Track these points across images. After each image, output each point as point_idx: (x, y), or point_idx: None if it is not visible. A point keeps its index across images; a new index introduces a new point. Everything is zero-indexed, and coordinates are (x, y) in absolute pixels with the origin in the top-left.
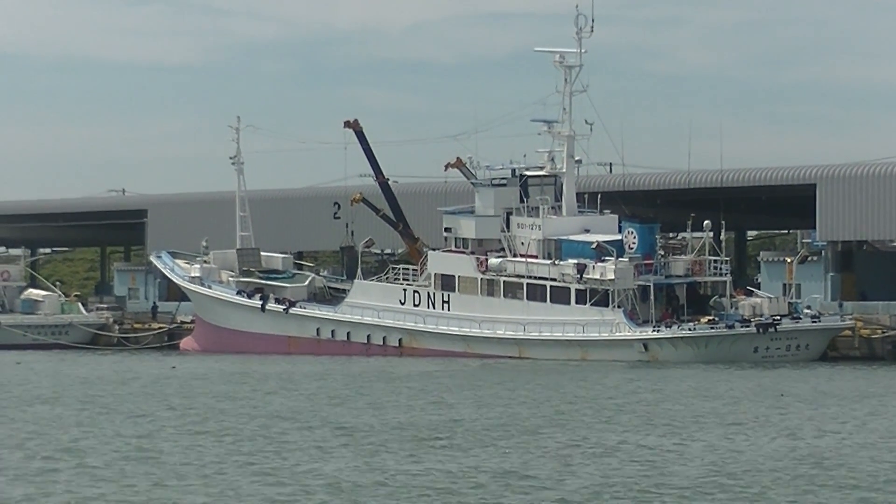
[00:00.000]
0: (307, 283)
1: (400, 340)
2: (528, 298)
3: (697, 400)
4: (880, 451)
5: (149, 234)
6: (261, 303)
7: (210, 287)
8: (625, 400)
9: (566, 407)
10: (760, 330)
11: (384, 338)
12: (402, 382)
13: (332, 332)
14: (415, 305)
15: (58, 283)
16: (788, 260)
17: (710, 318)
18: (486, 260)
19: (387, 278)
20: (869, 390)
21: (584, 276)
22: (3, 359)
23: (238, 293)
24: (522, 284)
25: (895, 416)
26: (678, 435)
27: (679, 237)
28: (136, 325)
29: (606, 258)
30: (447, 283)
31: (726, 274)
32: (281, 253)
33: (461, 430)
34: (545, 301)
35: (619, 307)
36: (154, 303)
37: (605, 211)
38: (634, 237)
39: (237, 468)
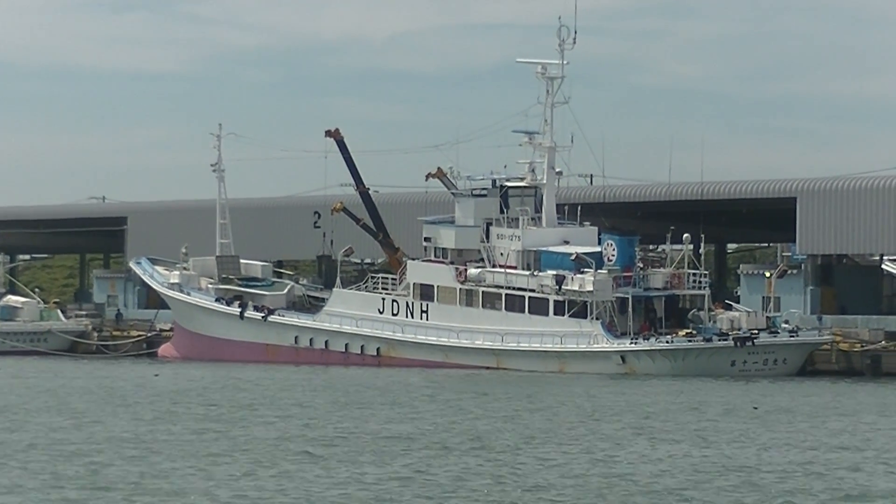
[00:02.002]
0: (286, 291)
1: (378, 350)
2: (506, 309)
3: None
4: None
5: (129, 241)
6: (239, 310)
7: (189, 294)
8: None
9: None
10: (738, 344)
11: (362, 347)
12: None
13: (311, 340)
14: (393, 315)
15: (37, 289)
16: (768, 274)
17: (688, 331)
18: (466, 270)
19: (366, 287)
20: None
21: (562, 287)
22: None
23: (217, 300)
24: (501, 295)
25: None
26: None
27: (659, 249)
28: (114, 333)
29: (585, 270)
30: (426, 292)
31: (705, 287)
32: (261, 261)
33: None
34: (524, 312)
35: (597, 319)
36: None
37: (585, 223)
38: (614, 249)
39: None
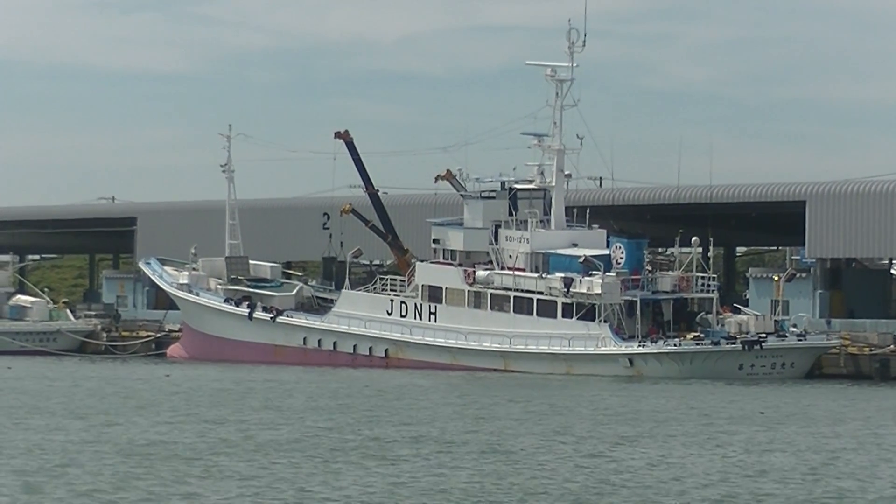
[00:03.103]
0: (295, 292)
1: (386, 351)
2: (514, 311)
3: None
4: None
5: (138, 241)
6: (248, 311)
7: (198, 294)
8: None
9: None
10: (746, 347)
11: (370, 348)
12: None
13: (319, 341)
14: (402, 316)
15: (46, 289)
16: (776, 277)
17: (696, 334)
18: (474, 272)
19: (374, 289)
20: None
21: (570, 290)
22: None
23: (226, 301)
24: (509, 297)
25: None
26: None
27: (667, 253)
28: (123, 333)
29: (594, 273)
30: (434, 294)
31: (713, 290)
32: (269, 262)
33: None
34: (532, 314)
35: (605, 322)
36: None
37: (594, 225)
38: (622, 252)
39: None
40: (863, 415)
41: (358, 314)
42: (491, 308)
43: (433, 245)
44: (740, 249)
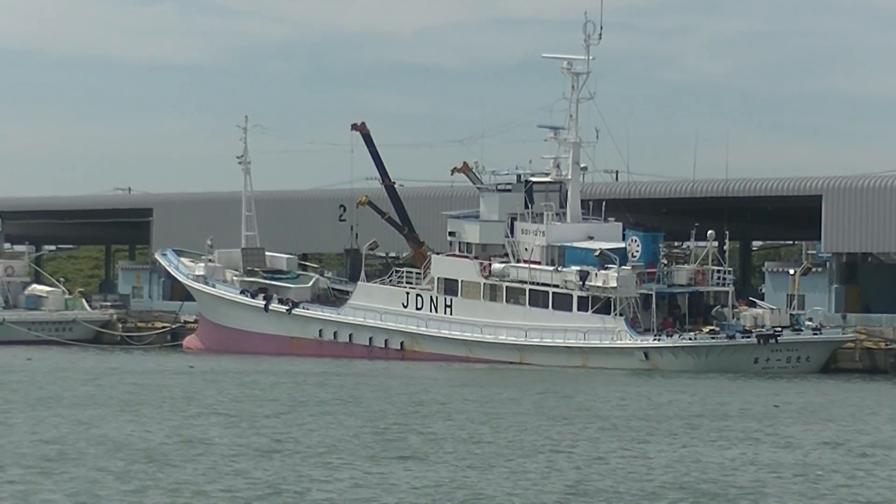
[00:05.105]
0: (311, 284)
1: (402, 344)
2: (530, 304)
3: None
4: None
5: (154, 232)
6: (264, 303)
7: (214, 286)
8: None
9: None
10: (761, 341)
11: (386, 340)
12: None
13: (335, 333)
14: (417, 309)
15: (62, 280)
16: (792, 271)
17: (712, 328)
18: (490, 265)
19: (390, 281)
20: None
21: (586, 283)
22: (12, 354)
23: (242, 293)
24: (525, 290)
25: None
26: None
27: (683, 246)
28: (139, 324)
29: (609, 266)
30: (450, 287)
31: (729, 284)
32: (286, 254)
33: None
34: (547, 307)
35: (620, 315)
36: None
37: (610, 219)
38: (638, 245)
39: None
40: None
41: (374, 306)
42: (506, 301)
43: (449, 238)
44: (756, 243)
